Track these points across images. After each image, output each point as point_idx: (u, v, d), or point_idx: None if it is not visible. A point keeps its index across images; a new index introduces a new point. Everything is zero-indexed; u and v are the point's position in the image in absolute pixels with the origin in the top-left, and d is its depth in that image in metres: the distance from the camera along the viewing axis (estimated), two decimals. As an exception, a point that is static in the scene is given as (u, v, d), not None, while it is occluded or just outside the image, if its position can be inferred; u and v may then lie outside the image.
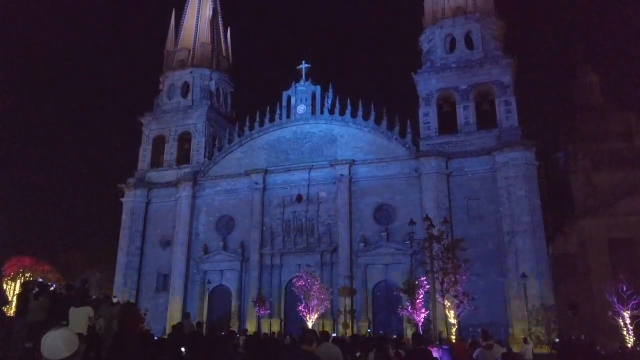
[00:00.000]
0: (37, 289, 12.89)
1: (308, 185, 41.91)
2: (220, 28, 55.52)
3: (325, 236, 40.05)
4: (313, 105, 44.56)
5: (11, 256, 55.28)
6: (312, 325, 33.48)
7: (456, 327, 31.39)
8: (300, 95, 45.16)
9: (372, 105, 42.47)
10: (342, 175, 40.66)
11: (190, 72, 50.85)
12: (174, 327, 15.05)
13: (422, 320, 30.54)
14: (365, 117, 42.50)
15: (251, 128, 46.03)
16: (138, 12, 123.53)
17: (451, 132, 40.30)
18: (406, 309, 31.55)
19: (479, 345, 15.21)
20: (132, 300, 38.17)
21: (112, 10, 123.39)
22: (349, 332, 31.39)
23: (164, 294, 44.09)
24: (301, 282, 34.63)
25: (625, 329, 30.79)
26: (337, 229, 39.84)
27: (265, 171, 43.27)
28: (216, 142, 47.68)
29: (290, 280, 39.08)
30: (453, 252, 29.48)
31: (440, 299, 28.59)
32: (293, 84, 45.82)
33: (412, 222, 28.61)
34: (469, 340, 19.89)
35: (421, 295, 30.88)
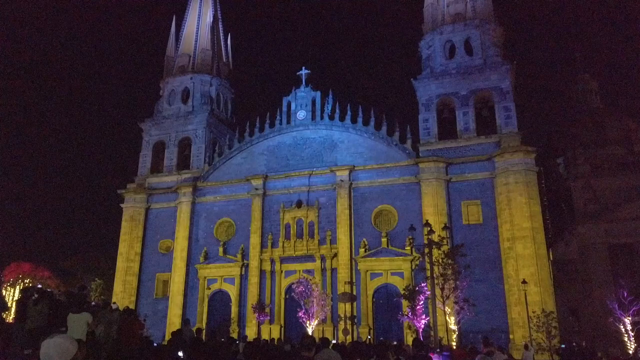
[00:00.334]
0: (36, 295, 12.86)
1: (308, 190, 41.91)
2: (221, 34, 55.76)
3: (325, 242, 40.01)
4: (313, 111, 44.66)
5: (11, 262, 55.27)
6: (313, 332, 33.42)
7: (457, 333, 31.33)
8: (301, 101, 45.27)
9: (372, 111, 42.62)
10: (342, 180, 40.69)
11: (191, 78, 51.02)
12: (173, 333, 14.99)
13: (423, 326, 30.49)
14: (365, 123, 42.57)
15: (251, 134, 46.09)
16: (139, 19, 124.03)
17: (451, 137, 40.35)
18: (407, 315, 31.51)
19: (479, 352, 15.15)
20: (132, 306, 38.11)
21: (113, 16, 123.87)
22: (349, 338, 31.29)
23: (163, 300, 43.97)
24: (301, 288, 34.59)
25: (626, 335, 30.70)
26: (337, 234, 39.82)
27: (266, 177, 43.31)
28: (216, 148, 47.72)
29: (290, 286, 39.03)
30: (453, 258, 29.47)
31: (440, 305, 28.53)
32: (293, 90, 45.93)
33: (412, 228, 28.58)
34: (469, 347, 19.80)
35: (421, 301, 30.85)
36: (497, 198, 37.12)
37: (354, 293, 36.29)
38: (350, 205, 40.30)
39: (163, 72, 53.18)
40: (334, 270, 39.25)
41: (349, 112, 43.09)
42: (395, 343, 23.46)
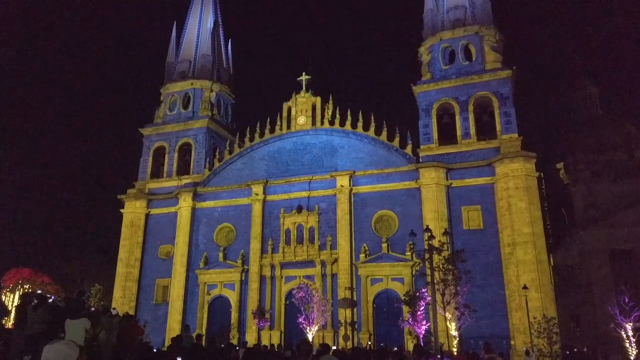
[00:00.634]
0: (36, 301, 12.83)
1: (308, 196, 41.90)
2: (222, 40, 55.90)
3: (326, 247, 39.94)
4: (313, 117, 44.69)
5: (10, 268, 55.15)
6: (313, 338, 33.28)
7: (457, 339, 31.21)
8: (301, 106, 45.30)
9: (372, 117, 42.61)
10: (342, 186, 40.68)
11: (191, 84, 51.13)
12: (172, 339, 14.94)
13: (423, 332, 30.37)
14: (366, 128, 42.59)
15: (251, 139, 46.11)
16: (139, 25, 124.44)
17: (451, 142, 40.37)
18: (407, 321, 31.40)
19: (480, 358, 15.09)
20: (132, 311, 37.99)
21: (113, 22, 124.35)
22: (349, 344, 31.16)
23: (163, 306, 43.85)
24: (301, 294, 34.50)
25: (627, 341, 30.58)
26: (338, 239, 39.76)
27: (266, 182, 43.30)
28: (216, 153, 47.71)
29: (291, 291, 38.93)
30: (453, 264, 29.39)
31: (441, 311, 28.43)
32: (293, 95, 45.99)
33: (412, 234, 28.52)
34: (470, 352, 19.74)
35: (422, 307, 30.73)
36: (497, 203, 37.08)
37: (355, 299, 36.19)
38: (350, 211, 40.27)
39: (164, 77, 53.32)
40: (334, 276, 39.17)
41: (349, 118, 43.14)
42: (395, 349, 23.42)
